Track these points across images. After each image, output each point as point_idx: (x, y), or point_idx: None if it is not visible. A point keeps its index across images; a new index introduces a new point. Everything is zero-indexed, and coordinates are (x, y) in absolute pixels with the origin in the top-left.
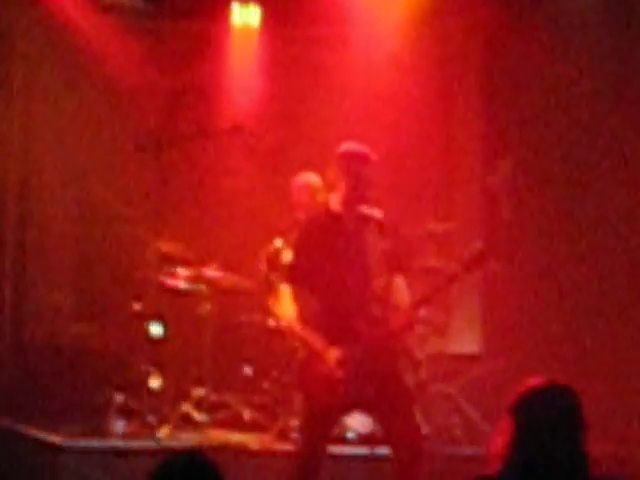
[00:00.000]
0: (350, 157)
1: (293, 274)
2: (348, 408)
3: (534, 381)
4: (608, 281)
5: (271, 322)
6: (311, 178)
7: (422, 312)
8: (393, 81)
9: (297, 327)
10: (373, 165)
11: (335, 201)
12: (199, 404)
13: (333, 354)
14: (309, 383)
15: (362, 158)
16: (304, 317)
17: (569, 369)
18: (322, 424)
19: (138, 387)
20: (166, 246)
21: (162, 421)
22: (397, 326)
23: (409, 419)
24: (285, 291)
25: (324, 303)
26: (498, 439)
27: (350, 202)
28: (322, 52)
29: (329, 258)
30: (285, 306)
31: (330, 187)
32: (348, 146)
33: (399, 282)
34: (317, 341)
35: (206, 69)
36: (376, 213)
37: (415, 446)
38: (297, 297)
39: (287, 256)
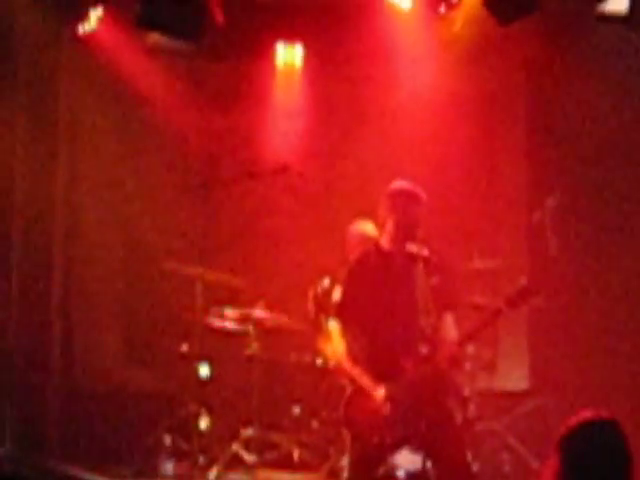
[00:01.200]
0: (400, 195)
1: (341, 310)
2: (396, 446)
3: (581, 416)
4: None
5: (319, 361)
6: (368, 228)
7: (469, 348)
8: (438, 119)
9: (345, 365)
10: (423, 204)
11: (385, 239)
12: (248, 444)
13: (380, 391)
14: (356, 421)
15: (412, 197)
16: (352, 355)
17: (617, 402)
18: (370, 462)
19: (187, 428)
20: (213, 287)
21: (212, 462)
22: (443, 360)
23: (460, 456)
24: (334, 329)
25: (372, 340)
26: (546, 475)
27: (399, 240)
28: (366, 91)
29: (377, 295)
30: (334, 344)
31: (381, 226)
32: (399, 184)
33: (448, 319)
34: (364, 378)
35: (251, 109)
36: (424, 251)
37: None
38: (345, 335)
39: (336, 294)
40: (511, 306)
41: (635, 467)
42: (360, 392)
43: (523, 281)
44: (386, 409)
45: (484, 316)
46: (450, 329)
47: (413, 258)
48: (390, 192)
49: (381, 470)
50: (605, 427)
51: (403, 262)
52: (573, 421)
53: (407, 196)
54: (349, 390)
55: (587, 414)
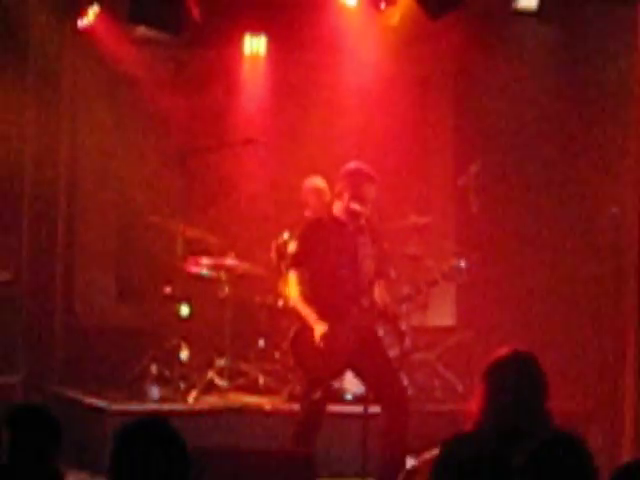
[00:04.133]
0: (357, 174)
1: (295, 261)
2: (335, 375)
3: (501, 351)
4: (563, 264)
5: (280, 302)
6: (318, 182)
7: (405, 289)
8: (380, 99)
9: (298, 304)
10: (375, 183)
11: (338, 208)
12: (221, 372)
13: (320, 329)
14: (301, 352)
15: (367, 177)
16: (306, 296)
17: (530, 339)
18: (315, 388)
19: (170, 359)
20: (192, 238)
21: (191, 387)
22: (384, 319)
23: (395, 383)
24: (291, 276)
25: (322, 288)
26: (473, 403)
27: (351, 213)
28: (320, 75)
29: (327, 253)
30: (291, 288)
31: (336, 195)
32: (356, 164)
33: (381, 285)
34: (311, 317)
35: (222, 91)
36: (370, 224)
37: (402, 405)
38: (301, 280)
39: (291, 246)
40: (445, 279)
41: (548, 393)
42: (306, 328)
43: (455, 262)
44: (320, 343)
45: (421, 284)
46: (383, 292)
47: (360, 229)
48: (348, 170)
49: (325, 393)
50: (523, 360)
51: (351, 231)
52: (495, 356)
53: (362, 175)
54: (296, 326)
55: (507, 349)
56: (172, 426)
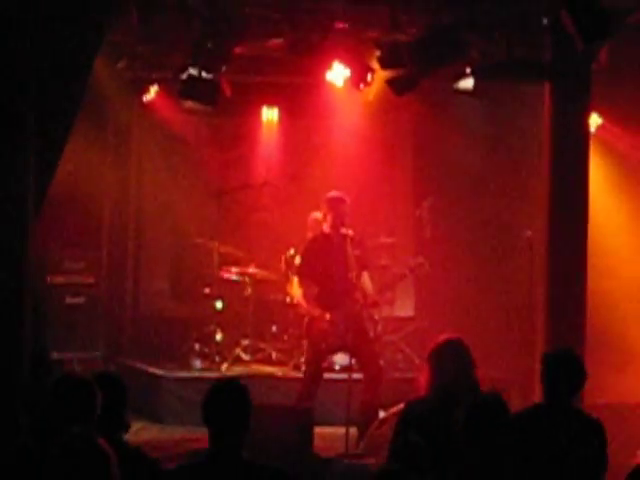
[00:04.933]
0: (334, 200)
1: (299, 270)
2: (335, 350)
3: (439, 338)
4: (494, 273)
5: (288, 299)
6: (317, 215)
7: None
8: (359, 152)
9: (302, 303)
10: (347, 204)
11: (326, 227)
12: (245, 349)
13: (326, 317)
14: (312, 334)
15: (340, 201)
16: (306, 296)
17: (469, 325)
18: (320, 360)
19: (208, 339)
20: (224, 253)
21: (223, 360)
22: (367, 302)
23: (372, 356)
24: (295, 281)
25: (320, 287)
26: (422, 376)
27: (334, 227)
28: (317, 135)
29: (323, 261)
30: (295, 290)
31: (323, 218)
32: (333, 193)
33: (365, 276)
34: (315, 310)
35: (246, 147)
36: (350, 233)
37: (376, 372)
38: (302, 285)
39: (297, 260)
40: (411, 272)
41: (474, 365)
42: (314, 319)
43: (420, 259)
44: (330, 327)
45: (394, 277)
46: (366, 282)
47: (343, 238)
48: (328, 198)
49: (324, 364)
50: (455, 344)
51: (338, 241)
52: (435, 342)
53: (337, 200)
54: (308, 317)
55: (443, 336)
56: (241, 383)
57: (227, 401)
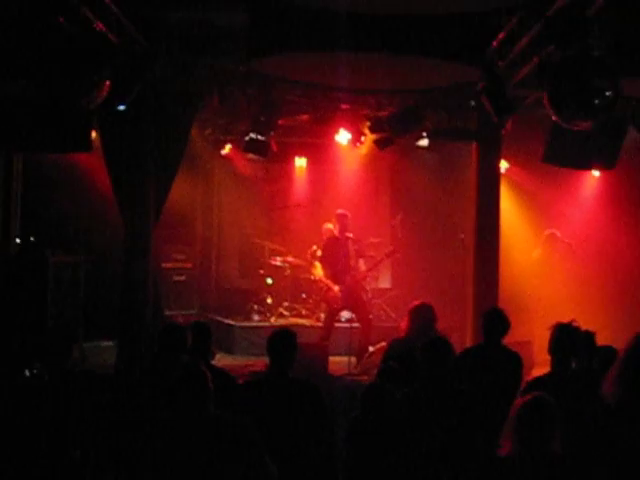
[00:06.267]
0: (340, 215)
1: (320, 259)
2: (342, 309)
3: (415, 302)
4: (443, 260)
5: (312, 277)
6: (329, 226)
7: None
8: (356, 185)
9: (322, 279)
10: (348, 218)
11: (336, 232)
12: (286, 308)
13: (336, 288)
14: (327, 299)
15: (344, 216)
16: (324, 275)
17: (435, 294)
18: (332, 315)
19: (262, 302)
20: (272, 248)
21: (272, 315)
22: (361, 278)
23: (366, 313)
24: (317, 266)
25: (332, 270)
26: (402, 324)
27: (341, 232)
28: (331, 175)
29: (334, 253)
30: (317, 271)
31: (334, 226)
32: (339, 211)
33: (361, 262)
34: (329, 282)
35: (285, 182)
36: (351, 235)
37: (367, 323)
38: (322, 268)
39: (318, 252)
40: (388, 257)
41: (436, 318)
42: (329, 289)
43: (392, 248)
44: (338, 294)
45: (376, 262)
46: (362, 266)
47: (347, 239)
48: (337, 214)
49: (335, 318)
50: (426, 307)
51: (343, 241)
52: (413, 304)
53: (342, 216)
54: (325, 289)
55: (418, 302)
56: (291, 330)
57: (282, 340)
